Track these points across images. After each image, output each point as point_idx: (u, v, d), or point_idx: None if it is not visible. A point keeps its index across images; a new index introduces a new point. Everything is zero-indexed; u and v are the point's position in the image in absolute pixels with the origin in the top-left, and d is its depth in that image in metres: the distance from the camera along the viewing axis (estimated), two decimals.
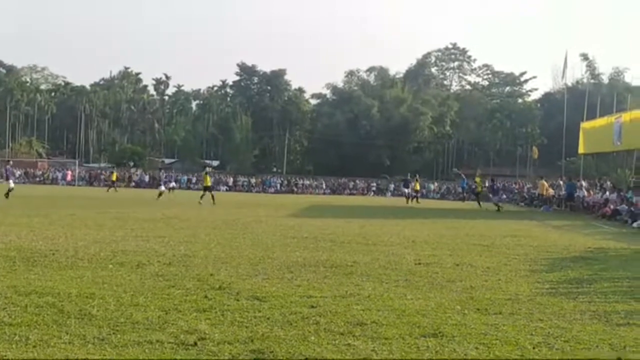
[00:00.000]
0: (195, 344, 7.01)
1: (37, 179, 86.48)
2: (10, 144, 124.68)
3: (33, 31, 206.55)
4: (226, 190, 79.50)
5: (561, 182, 50.51)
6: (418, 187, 56.68)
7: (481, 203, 49.31)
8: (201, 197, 41.47)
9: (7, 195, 38.06)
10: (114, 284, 10.25)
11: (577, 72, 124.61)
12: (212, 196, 41.90)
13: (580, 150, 54.92)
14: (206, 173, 45.74)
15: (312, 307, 9.01)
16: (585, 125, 53.30)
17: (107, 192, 56.63)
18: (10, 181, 41.20)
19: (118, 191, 60.11)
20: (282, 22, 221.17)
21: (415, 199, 54.24)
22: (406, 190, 56.49)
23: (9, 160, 53.29)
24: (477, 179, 53.88)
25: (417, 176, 60.13)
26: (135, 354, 6.60)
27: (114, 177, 67.22)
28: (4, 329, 7.37)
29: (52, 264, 12.22)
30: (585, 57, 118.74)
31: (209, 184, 44.35)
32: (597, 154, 60.56)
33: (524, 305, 9.57)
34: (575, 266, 14.48)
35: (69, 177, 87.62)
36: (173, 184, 61.41)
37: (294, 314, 8.55)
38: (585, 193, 45.63)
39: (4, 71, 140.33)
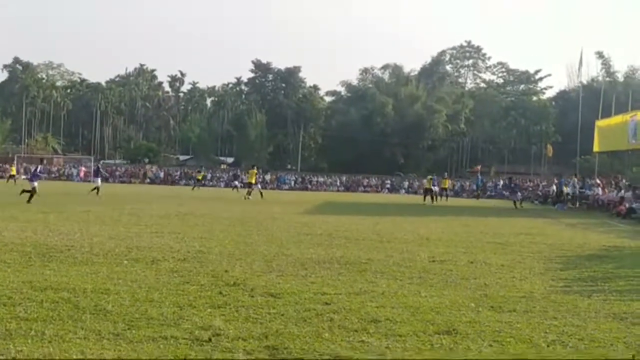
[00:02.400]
0: (210, 340, 7.03)
1: (53, 175, 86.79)
2: (26, 140, 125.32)
3: (49, 28, 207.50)
4: (240, 187, 79.59)
5: (575, 180, 50.46)
6: (447, 185, 56.76)
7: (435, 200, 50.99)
8: (248, 193, 44.82)
9: (97, 192, 39.08)
10: (129, 280, 10.30)
11: (592, 70, 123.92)
12: (248, 192, 45.07)
13: (595, 148, 54.69)
14: (254, 172, 47.38)
15: (326, 304, 9.02)
16: (600, 123, 53.06)
17: (192, 190, 58.61)
18: (98, 180, 41.97)
19: (196, 190, 60.81)
20: (297, 19, 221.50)
21: (445, 197, 54.27)
22: (434, 188, 56.30)
23: (100, 159, 54.43)
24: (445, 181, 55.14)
25: (447, 174, 60.11)
26: (150, 349, 6.63)
27: (200, 176, 68.83)
28: (20, 324, 7.41)
29: (68, 260, 12.29)
30: (600, 55, 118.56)
31: (254, 180, 46.52)
32: (612, 152, 60.36)
33: (538, 303, 9.55)
34: (590, 264, 14.45)
35: (82, 174, 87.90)
36: (236, 182, 62.62)
37: (308, 310, 8.57)
38: (600, 191, 45.55)
39: (20, 68, 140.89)
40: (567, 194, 49.65)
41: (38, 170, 36.02)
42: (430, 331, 7.72)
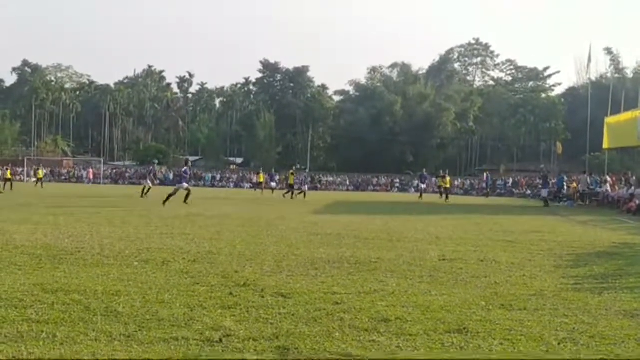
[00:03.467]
0: (221, 340, 7.03)
1: (63, 177, 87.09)
2: (36, 143, 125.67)
3: (57, 31, 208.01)
4: (250, 187, 79.65)
5: (587, 177, 50.41)
6: (448, 184, 55.71)
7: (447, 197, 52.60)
8: (285, 193, 48.07)
9: (144, 194, 39.62)
10: (140, 282, 10.31)
11: (601, 67, 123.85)
12: (292, 193, 48.13)
13: (605, 145, 54.57)
14: (292, 173, 50.42)
15: (337, 303, 9.01)
16: (609, 120, 52.95)
17: (260, 195, 57.20)
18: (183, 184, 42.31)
19: (263, 193, 59.50)
20: (304, 19, 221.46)
21: (446, 197, 53.15)
22: (422, 186, 56.52)
23: (155, 162, 53.81)
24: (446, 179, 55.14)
25: (442, 172, 58.67)
26: (161, 350, 6.64)
27: (260, 179, 65.41)
28: (31, 326, 7.43)
29: (78, 262, 12.30)
30: (609, 51, 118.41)
31: (292, 182, 49.45)
32: (622, 148, 60.21)
33: (549, 301, 9.52)
34: (601, 261, 14.40)
35: (90, 175, 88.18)
36: (274, 184, 61.28)
37: (319, 310, 8.56)
38: (610, 188, 45.44)
39: (29, 70, 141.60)
40: (577, 191, 49.75)
41: (183, 170, 35.27)
42: (441, 330, 7.71)
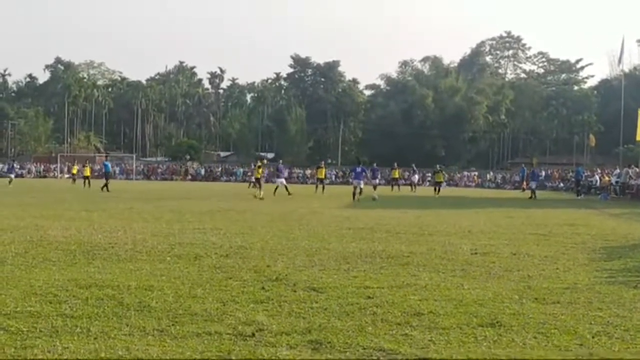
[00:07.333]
0: (253, 335, 7.04)
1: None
2: (68, 139, 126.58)
3: (89, 28, 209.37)
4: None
5: (628, 170, 50.06)
6: (396, 175, 58.03)
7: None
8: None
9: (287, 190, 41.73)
10: (172, 276, 10.34)
11: (634, 59, 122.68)
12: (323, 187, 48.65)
13: (638, 137, 54.05)
14: (319, 167, 52.14)
15: (369, 297, 8.99)
16: None
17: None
18: (281, 180, 44.46)
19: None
20: (335, 13, 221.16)
21: (438, 191, 54.16)
22: (414, 178, 59.44)
23: (280, 161, 53.48)
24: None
25: (439, 167, 59.91)
26: (194, 345, 6.65)
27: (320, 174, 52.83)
28: (65, 321, 7.47)
29: (112, 257, 12.37)
30: None
31: (323, 176, 51.06)
32: None
33: (583, 294, 9.44)
34: (635, 254, 14.27)
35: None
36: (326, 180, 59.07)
37: (351, 304, 8.55)
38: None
39: (62, 67, 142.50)
40: (611, 183, 49.47)
41: (278, 169, 46.27)
42: (474, 324, 7.67)
